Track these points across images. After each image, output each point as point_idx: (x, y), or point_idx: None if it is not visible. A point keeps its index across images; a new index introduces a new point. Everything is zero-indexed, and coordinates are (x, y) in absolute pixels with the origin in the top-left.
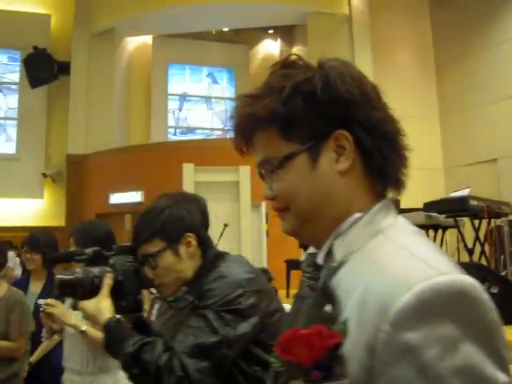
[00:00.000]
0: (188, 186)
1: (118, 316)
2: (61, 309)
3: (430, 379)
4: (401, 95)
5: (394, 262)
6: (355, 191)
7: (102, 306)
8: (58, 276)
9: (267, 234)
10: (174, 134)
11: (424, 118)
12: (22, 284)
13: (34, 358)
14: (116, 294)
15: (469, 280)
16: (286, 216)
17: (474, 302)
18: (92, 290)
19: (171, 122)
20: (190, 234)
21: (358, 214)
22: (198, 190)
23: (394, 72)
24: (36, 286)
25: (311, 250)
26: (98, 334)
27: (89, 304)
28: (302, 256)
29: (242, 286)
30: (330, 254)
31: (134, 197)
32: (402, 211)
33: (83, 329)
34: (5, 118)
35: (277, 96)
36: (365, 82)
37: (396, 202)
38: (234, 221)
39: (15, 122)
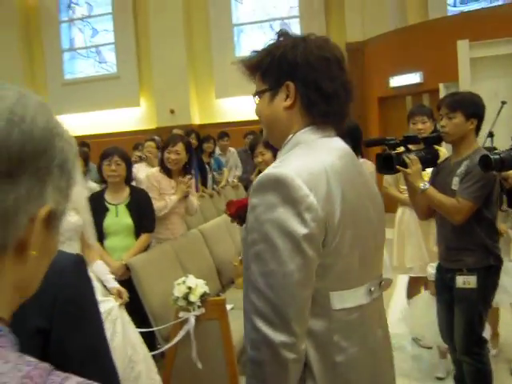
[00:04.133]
0: (463, 64)
1: None
2: None
3: (258, 223)
4: None
5: (275, 164)
6: (293, 120)
7: None
8: (494, 157)
9: None
10: (454, 6)
11: None
12: None
13: None
14: None
15: (286, 172)
16: (263, 128)
17: (287, 185)
18: None
19: None
20: None
21: (291, 135)
22: (474, 68)
23: None
24: None
25: None
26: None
27: None
28: None
29: None
30: None
31: (413, 78)
32: None
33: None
34: (288, 18)
35: (261, 54)
36: (314, 57)
37: None
38: None
39: (297, 20)
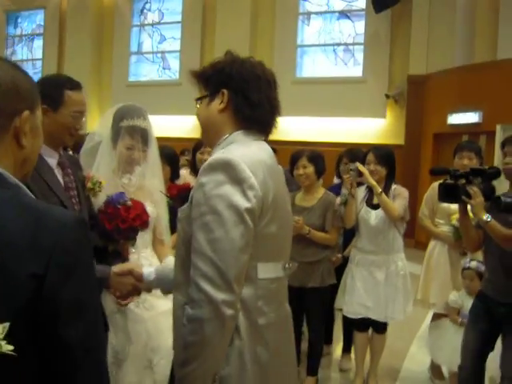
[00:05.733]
0: None
1: None
2: (367, 172)
3: (206, 197)
4: None
5: (220, 152)
6: (225, 122)
7: None
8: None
9: None
10: None
11: None
12: (335, 189)
13: (346, 252)
14: None
15: (228, 156)
16: (201, 128)
17: (234, 167)
18: None
19: None
20: None
21: (226, 135)
22: None
23: None
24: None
25: None
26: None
27: None
28: None
29: None
30: None
31: (471, 117)
32: None
33: (380, 191)
34: (353, 44)
35: (206, 67)
36: (246, 72)
37: None
38: None
39: (362, 47)
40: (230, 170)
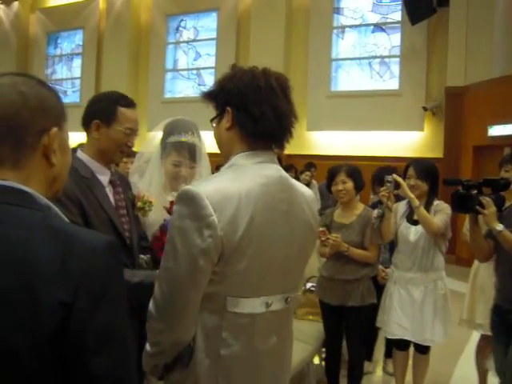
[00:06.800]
0: None
1: None
2: (404, 184)
3: (171, 226)
4: None
5: (200, 180)
6: (233, 140)
7: None
8: None
9: None
10: None
11: None
12: (375, 205)
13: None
14: None
15: (195, 190)
16: None
17: (197, 203)
18: None
19: None
20: None
21: (232, 156)
22: None
23: None
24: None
25: None
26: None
27: None
28: None
29: None
30: None
31: None
32: None
33: (417, 204)
34: (389, 57)
35: (213, 86)
36: (244, 85)
37: None
38: None
39: (398, 60)
40: (192, 205)
